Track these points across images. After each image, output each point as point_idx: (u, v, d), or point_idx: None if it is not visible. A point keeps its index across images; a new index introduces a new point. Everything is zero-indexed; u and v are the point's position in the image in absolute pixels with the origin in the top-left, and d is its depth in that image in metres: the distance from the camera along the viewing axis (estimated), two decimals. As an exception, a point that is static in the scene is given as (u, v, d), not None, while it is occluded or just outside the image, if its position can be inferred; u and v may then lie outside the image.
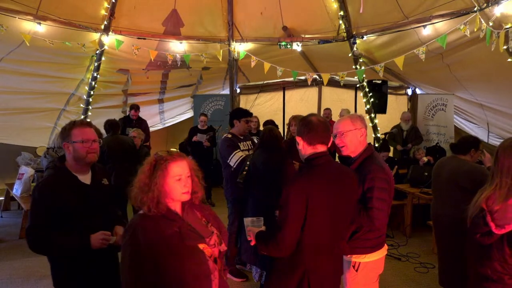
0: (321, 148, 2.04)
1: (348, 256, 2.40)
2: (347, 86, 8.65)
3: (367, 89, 7.83)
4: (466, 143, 3.36)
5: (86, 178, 2.23)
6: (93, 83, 7.15)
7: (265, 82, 9.07)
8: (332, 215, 1.98)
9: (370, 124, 8.12)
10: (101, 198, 2.26)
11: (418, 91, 8.75)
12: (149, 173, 1.74)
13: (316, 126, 2.04)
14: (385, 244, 2.48)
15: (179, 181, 1.75)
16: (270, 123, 6.22)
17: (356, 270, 2.36)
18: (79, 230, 2.08)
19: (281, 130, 7.37)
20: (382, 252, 2.43)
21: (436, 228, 3.54)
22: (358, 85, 8.41)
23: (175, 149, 1.79)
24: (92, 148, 2.19)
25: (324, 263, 2.02)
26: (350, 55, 7.24)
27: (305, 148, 2.07)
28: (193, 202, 1.86)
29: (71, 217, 2.09)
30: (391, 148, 7.41)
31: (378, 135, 8.10)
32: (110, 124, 5.29)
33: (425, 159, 6.06)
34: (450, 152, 7.09)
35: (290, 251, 1.93)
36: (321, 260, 2.00)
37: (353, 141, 2.40)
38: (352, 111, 8.73)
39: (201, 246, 1.75)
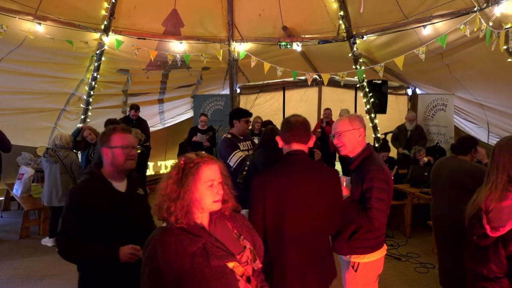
0: (296, 147, 2.16)
1: (347, 256, 2.40)
2: (347, 86, 8.65)
3: (367, 89, 7.83)
4: (467, 144, 3.36)
5: (121, 186, 2.16)
6: (93, 83, 7.15)
7: (265, 82, 9.07)
8: (304, 209, 2.07)
9: (370, 124, 8.12)
10: (135, 207, 2.17)
11: (418, 91, 8.75)
12: (177, 178, 1.54)
13: (292, 126, 2.18)
14: (385, 244, 2.48)
15: (211, 187, 1.55)
16: (268, 123, 6.23)
17: (355, 270, 2.36)
18: (110, 240, 2.00)
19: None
20: (382, 252, 2.43)
21: (436, 228, 3.53)
22: (358, 85, 8.41)
23: (203, 152, 1.69)
24: (131, 155, 2.13)
25: (293, 256, 2.06)
26: (350, 55, 7.24)
27: (283, 146, 2.23)
28: (223, 212, 1.65)
29: (103, 226, 2.02)
30: (394, 149, 7.39)
31: (378, 135, 8.10)
32: (111, 123, 5.27)
33: (425, 159, 6.06)
34: (450, 152, 7.08)
35: None
36: (289, 253, 2.05)
37: (351, 141, 2.41)
38: (352, 111, 8.73)
39: (231, 264, 1.54)
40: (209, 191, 1.54)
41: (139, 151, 7.23)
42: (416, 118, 7.58)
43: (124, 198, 2.13)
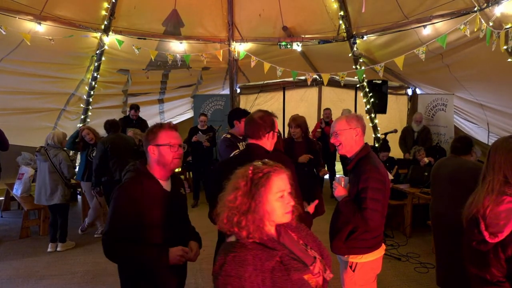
0: (251, 141, 2.39)
1: (345, 256, 2.40)
2: (347, 86, 8.65)
3: (367, 89, 7.83)
4: (468, 143, 3.36)
5: (166, 185, 2.09)
6: (93, 83, 7.16)
7: (265, 82, 9.07)
8: None
9: (370, 124, 8.12)
10: (179, 207, 2.13)
11: (418, 91, 8.75)
12: (246, 189, 1.43)
13: (248, 122, 2.38)
14: (383, 244, 2.48)
15: (281, 198, 1.44)
16: None
17: (353, 270, 2.36)
18: (155, 240, 1.96)
19: (281, 130, 7.36)
20: (380, 252, 2.43)
21: (435, 228, 3.53)
22: (358, 85, 8.41)
23: (267, 159, 1.58)
24: (178, 153, 2.06)
25: None
26: (350, 55, 7.24)
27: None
28: (290, 223, 1.55)
29: (149, 226, 1.96)
30: (394, 150, 7.37)
31: (378, 135, 8.10)
32: (110, 124, 5.36)
33: (426, 160, 6.05)
34: (450, 153, 7.05)
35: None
36: None
37: (348, 140, 2.42)
38: (352, 111, 8.73)
39: (306, 276, 1.47)
40: (280, 202, 1.44)
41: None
42: (423, 119, 7.55)
43: (170, 197, 2.08)
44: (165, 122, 2.18)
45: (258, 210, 1.41)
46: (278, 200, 1.44)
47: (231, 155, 3.83)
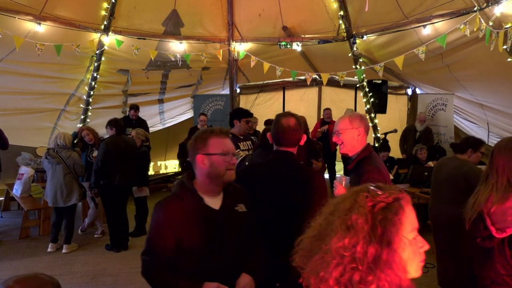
0: (283, 148, 2.26)
1: None
2: (347, 86, 8.65)
3: (367, 89, 7.83)
4: (465, 143, 3.36)
5: (215, 202, 1.81)
6: (93, 83, 7.15)
7: (265, 82, 9.07)
8: (273, 208, 2.15)
9: (370, 124, 8.12)
10: (230, 229, 1.79)
11: (418, 91, 8.75)
12: (367, 228, 0.94)
13: (282, 129, 2.23)
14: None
15: (415, 241, 1.00)
16: (270, 122, 6.22)
17: None
18: (200, 266, 1.73)
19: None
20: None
21: (435, 228, 3.53)
22: (358, 85, 8.41)
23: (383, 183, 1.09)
24: (232, 163, 1.79)
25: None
26: (350, 55, 7.24)
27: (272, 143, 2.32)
28: None
29: (190, 251, 1.72)
30: (394, 150, 7.36)
31: (378, 135, 8.10)
32: (115, 124, 5.15)
33: (431, 163, 6.02)
34: (452, 151, 7.07)
35: None
36: None
37: (350, 140, 2.41)
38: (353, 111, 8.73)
39: None
40: (414, 247, 1.00)
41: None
42: (413, 119, 7.56)
43: (218, 217, 1.78)
44: (216, 127, 1.94)
45: (392, 261, 0.93)
46: (412, 243, 0.98)
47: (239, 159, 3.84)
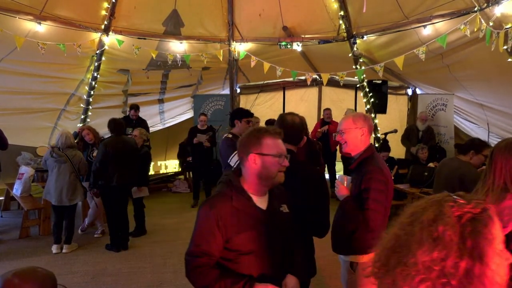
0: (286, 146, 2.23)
1: (347, 255, 2.40)
2: (347, 86, 8.65)
3: (367, 89, 7.83)
4: (468, 144, 3.36)
5: (262, 202, 1.78)
6: (93, 83, 7.15)
7: (265, 82, 9.07)
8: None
9: (372, 123, 8.12)
10: (277, 230, 1.78)
11: (418, 91, 8.75)
12: (456, 240, 0.87)
13: (286, 126, 2.21)
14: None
15: (502, 253, 0.92)
16: (272, 122, 6.23)
17: (354, 270, 2.36)
18: (245, 270, 1.70)
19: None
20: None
21: None
22: (358, 85, 8.41)
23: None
24: (284, 166, 1.76)
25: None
26: (350, 55, 7.24)
27: None
28: None
29: (238, 252, 1.70)
30: (394, 150, 7.36)
31: (378, 135, 8.10)
32: (116, 124, 5.12)
33: (431, 165, 6.03)
34: (452, 152, 7.09)
35: None
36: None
37: (353, 140, 2.42)
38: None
39: None
40: (503, 260, 0.91)
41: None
42: (413, 119, 7.56)
43: (266, 217, 1.75)
44: (270, 126, 1.89)
45: (484, 276, 0.86)
46: (500, 255, 0.90)
47: (235, 159, 3.84)
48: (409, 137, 7.30)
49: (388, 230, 0.99)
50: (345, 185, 2.44)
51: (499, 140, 2.56)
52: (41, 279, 1.39)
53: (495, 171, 2.00)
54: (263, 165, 1.71)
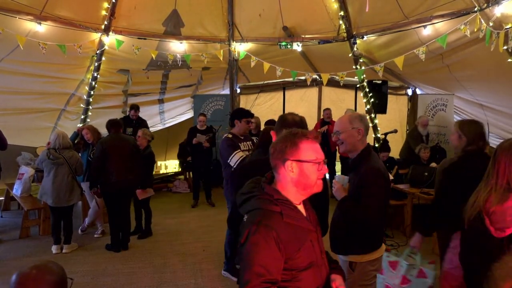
0: None
1: (345, 255, 2.40)
2: (347, 86, 8.66)
3: (367, 89, 7.84)
4: None
5: (302, 210, 1.67)
6: (93, 83, 7.16)
7: (265, 82, 9.07)
8: None
9: (370, 124, 8.12)
10: (319, 236, 1.71)
11: (418, 91, 8.76)
12: None
13: (288, 124, 2.18)
14: (383, 244, 2.48)
15: None
16: (271, 122, 6.24)
17: (353, 270, 2.37)
18: (308, 285, 1.58)
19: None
20: (380, 252, 2.43)
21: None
22: (358, 85, 8.41)
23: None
24: (322, 173, 1.63)
25: None
26: (350, 55, 7.24)
27: None
28: None
29: (299, 267, 1.57)
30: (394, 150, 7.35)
31: (378, 135, 8.10)
32: (112, 124, 5.20)
33: (433, 164, 6.02)
34: (452, 152, 7.05)
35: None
36: None
37: (350, 140, 2.42)
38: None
39: None
40: None
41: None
42: (413, 119, 7.55)
43: (311, 225, 1.66)
44: (307, 130, 1.75)
45: None
46: None
47: (235, 159, 3.84)
48: (416, 142, 6.90)
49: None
50: (342, 184, 2.44)
51: (499, 140, 2.56)
52: (56, 271, 1.55)
53: (498, 171, 2.00)
54: (301, 173, 1.57)
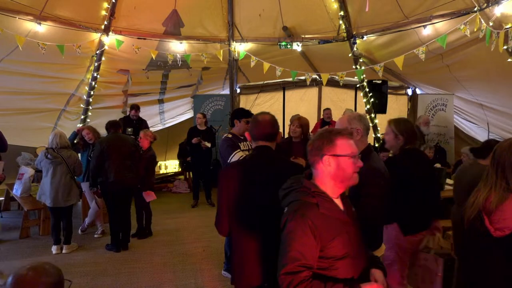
0: (261, 143, 2.25)
1: None
2: (347, 86, 8.66)
3: (367, 89, 7.84)
4: (485, 147, 3.31)
5: (339, 203, 1.76)
6: (93, 83, 7.15)
7: (265, 82, 9.07)
8: (265, 200, 2.08)
9: (370, 124, 8.12)
10: (356, 229, 1.76)
11: (418, 91, 8.76)
12: None
13: (259, 124, 2.27)
14: (383, 244, 2.49)
15: None
16: None
17: None
18: (343, 274, 1.65)
19: (281, 130, 7.35)
20: (379, 252, 2.43)
21: (455, 232, 3.52)
22: (358, 85, 8.41)
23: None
24: (358, 166, 1.73)
25: (248, 243, 2.13)
26: (350, 55, 7.24)
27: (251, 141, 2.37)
28: None
29: (334, 257, 1.64)
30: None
31: (378, 135, 8.10)
32: (111, 124, 5.24)
33: (438, 165, 6.02)
34: (452, 152, 7.07)
35: (222, 229, 2.22)
36: (244, 240, 2.14)
37: None
38: (353, 111, 8.73)
39: None
40: None
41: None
42: (413, 119, 7.55)
43: (348, 217, 1.74)
44: (341, 128, 1.86)
45: None
46: None
47: (235, 159, 3.84)
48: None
49: None
50: None
51: (499, 140, 2.55)
52: (52, 272, 1.55)
53: (498, 171, 2.01)
54: (338, 167, 1.69)
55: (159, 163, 9.43)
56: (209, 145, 7.06)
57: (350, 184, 1.74)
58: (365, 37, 7.01)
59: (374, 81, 7.46)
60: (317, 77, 7.77)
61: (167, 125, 9.34)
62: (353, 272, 1.67)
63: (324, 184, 1.71)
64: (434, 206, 2.89)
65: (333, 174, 1.69)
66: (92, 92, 7.28)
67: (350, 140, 1.73)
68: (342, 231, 1.66)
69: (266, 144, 2.26)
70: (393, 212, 2.58)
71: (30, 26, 5.77)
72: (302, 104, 9.15)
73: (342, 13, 6.93)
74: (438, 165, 6.03)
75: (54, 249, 4.99)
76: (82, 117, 7.48)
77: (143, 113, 7.55)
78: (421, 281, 2.74)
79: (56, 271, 1.58)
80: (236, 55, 7.69)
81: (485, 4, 4.94)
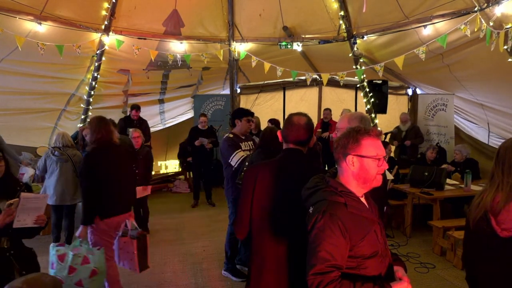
0: (293, 146, 2.16)
1: None
2: (348, 86, 8.66)
3: (367, 89, 7.84)
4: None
5: (364, 202, 1.74)
6: (94, 83, 7.16)
7: (265, 82, 9.08)
8: (286, 204, 2.02)
9: (371, 124, 8.13)
10: (381, 227, 1.74)
11: (418, 91, 8.76)
12: None
13: (293, 126, 2.16)
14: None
15: None
16: (275, 122, 6.28)
17: None
18: (373, 273, 1.64)
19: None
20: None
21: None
22: (358, 85, 8.42)
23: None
24: (382, 168, 1.67)
25: (269, 248, 2.04)
26: (350, 55, 7.25)
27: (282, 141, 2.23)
28: None
29: (364, 256, 1.62)
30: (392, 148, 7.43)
31: (378, 135, 8.12)
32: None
33: (445, 166, 6.02)
34: (452, 152, 7.04)
35: (242, 231, 2.13)
36: (266, 245, 2.05)
37: None
38: (353, 111, 8.73)
39: None
40: None
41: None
42: (410, 119, 7.79)
43: (374, 215, 1.72)
44: (370, 127, 1.81)
45: None
46: None
47: (235, 159, 3.85)
48: (395, 138, 7.61)
49: None
50: None
51: (500, 140, 2.55)
52: (48, 283, 1.47)
53: (503, 170, 1.99)
54: (361, 168, 1.65)
55: (159, 163, 9.44)
56: (211, 145, 7.07)
57: (373, 185, 1.69)
58: (365, 37, 7.01)
59: (374, 81, 7.46)
60: (318, 77, 7.78)
61: (167, 125, 9.35)
62: (380, 269, 1.66)
63: (349, 183, 1.68)
64: None
65: (356, 174, 1.66)
66: (92, 92, 7.29)
67: (377, 141, 1.68)
68: (370, 230, 1.64)
69: (297, 148, 2.15)
70: None
71: (30, 26, 5.78)
72: (303, 104, 9.15)
73: (342, 13, 6.94)
74: (445, 166, 6.04)
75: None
76: (83, 117, 7.48)
77: (144, 113, 7.55)
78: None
79: (52, 282, 1.51)
80: (236, 55, 7.69)
81: (485, 4, 4.94)
